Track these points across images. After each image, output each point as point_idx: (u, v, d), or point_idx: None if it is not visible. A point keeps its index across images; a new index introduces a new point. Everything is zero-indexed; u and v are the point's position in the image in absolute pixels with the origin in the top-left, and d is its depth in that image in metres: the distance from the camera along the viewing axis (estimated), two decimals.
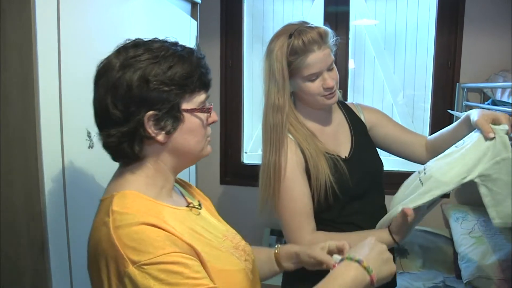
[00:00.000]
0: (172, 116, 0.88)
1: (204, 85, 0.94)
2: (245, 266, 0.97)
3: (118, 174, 0.94)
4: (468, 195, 2.53)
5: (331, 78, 1.32)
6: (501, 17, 2.42)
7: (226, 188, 2.91)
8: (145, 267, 0.76)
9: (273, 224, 2.73)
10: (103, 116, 0.88)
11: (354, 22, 2.80)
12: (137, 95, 0.85)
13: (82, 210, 1.13)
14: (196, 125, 0.93)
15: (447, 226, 2.48)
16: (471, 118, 1.22)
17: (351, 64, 2.82)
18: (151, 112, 0.86)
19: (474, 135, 1.18)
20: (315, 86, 1.33)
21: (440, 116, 2.60)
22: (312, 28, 1.30)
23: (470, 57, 2.47)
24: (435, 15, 2.57)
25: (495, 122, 1.17)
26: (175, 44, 0.92)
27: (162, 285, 0.76)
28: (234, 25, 2.81)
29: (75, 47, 1.17)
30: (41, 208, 1.07)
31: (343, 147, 1.42)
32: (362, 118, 1.53)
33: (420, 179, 1.22)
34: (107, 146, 0.91)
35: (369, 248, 0.96)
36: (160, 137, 0.88)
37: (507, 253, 2.12)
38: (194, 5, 2.12)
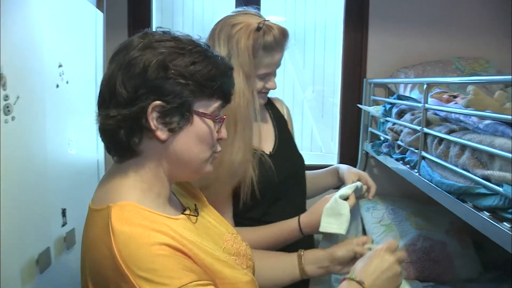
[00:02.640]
0: (180, 113, 0.80)
1: (224, 96, 0.87)
2: (251, 276, 0.91)
3: (112, 176, 0.85)
4: (377, 186, 2.65)
5: (274, 81, 1.33)
6: (403, 17, 2.58)
7: None
8: None
9: None
10: (107, 94, 0.80)
11: None
12: (151, 79, 0.78)
13: None
14: (204, 132, 0.85)
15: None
16: (340, 172, 1.45)
17: None
18: (158, 102, 0.78)
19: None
20: (260, 84, 1.30)
21: (349, 110, 2.70)
22: (274, 24, 1.25)
23: (376, 54, 2.60)
24: (343, 13, 2.67)
25: (359, 178, 1.39)
26: (208, 46, 0.87)
27: None
28: (143, 19, 2.68)
29: None
30: None
31: (267, 143, 1.41)
32: (285, 115, 1.53)
33: None
34: (103, 130, 0.82)
35: (375, 267, 0.96)
36: (161, 133, 0.80)
37: (412, 238, 2.27)
38: None
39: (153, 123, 0.79)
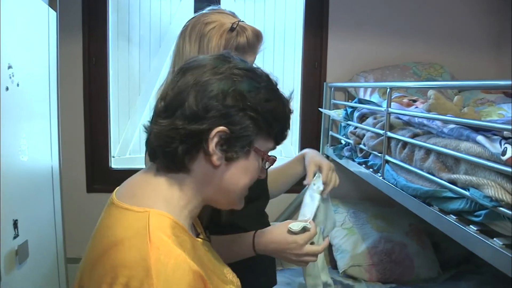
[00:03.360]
0: (241, 145, 0.80)
1: (281, 138, 0.88)
2: None
3: (151, 180, 0.82)
4: (338, 189, 2.66)
5: None
6: (362, 22, 2.62)
7: (95, 196, 2.66)
8: None
9: None
10: (175, 104, 0.78)
11: None
12: (225, 105, 0.77)
13: None
14: (254, 168, 0.85)
15: None
16: (306, 159, 1.36)
17: None
18: (224, 128, 0.77)
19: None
20: None
21: (309, 114, 2.71)
22: (249, 26, 1.20)
23: (335, 58, 2.63)
24: (302, 18, 2.68)
25: (320, 168, 1.30)
26: (277, 84, 0.87)
27: None
28: (98, 19, 2.58)
29: None
30: None
31: None
32: None
33: None
34: (160, 138, 0.79)
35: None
36: (216, 158, 0.79)
37: (374, 241, 2.30)
38: None
39: (211, 146, 0.78)
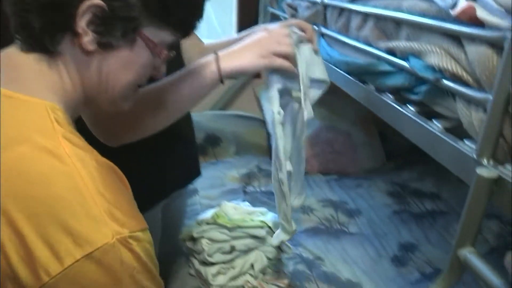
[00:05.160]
0: (123, 30, 0.61)
1: (185, 30, 0.69)
2: None
3: (24, 54, 0.60)
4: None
5: None
6: None
7: None
8: None
9: None
10: None
11: None
12: None
13: None
14: (141, 63, 0.66)
15: (260, 107, 2.38)
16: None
17: None
18: (100, 2, 0.57)
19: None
20: None
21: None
22: None
23: None
24: None
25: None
26: None
27: None
28: None
29: None
30: None
31: None
32: None
33: None
34: (15, 5, 0.59)
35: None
36: (88, 41, 0.59)
37: (315, 129, 2.11)
38: None
39: (81, 24, 0.58)
